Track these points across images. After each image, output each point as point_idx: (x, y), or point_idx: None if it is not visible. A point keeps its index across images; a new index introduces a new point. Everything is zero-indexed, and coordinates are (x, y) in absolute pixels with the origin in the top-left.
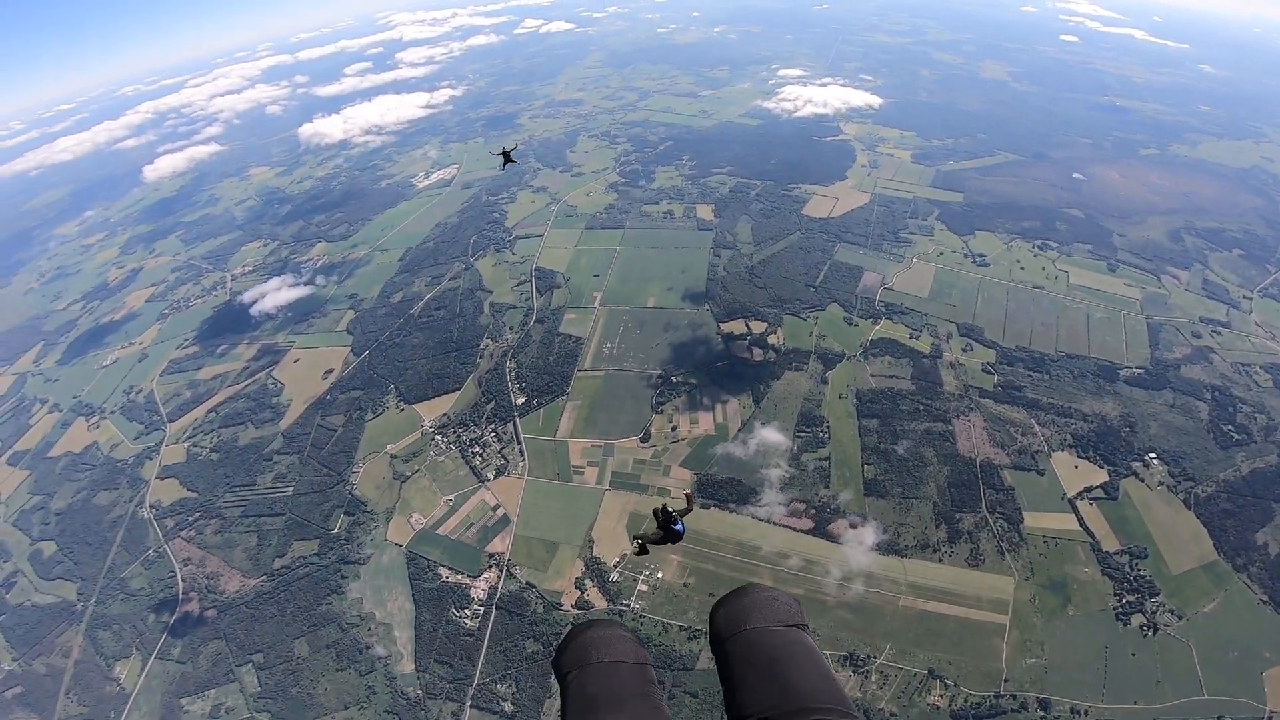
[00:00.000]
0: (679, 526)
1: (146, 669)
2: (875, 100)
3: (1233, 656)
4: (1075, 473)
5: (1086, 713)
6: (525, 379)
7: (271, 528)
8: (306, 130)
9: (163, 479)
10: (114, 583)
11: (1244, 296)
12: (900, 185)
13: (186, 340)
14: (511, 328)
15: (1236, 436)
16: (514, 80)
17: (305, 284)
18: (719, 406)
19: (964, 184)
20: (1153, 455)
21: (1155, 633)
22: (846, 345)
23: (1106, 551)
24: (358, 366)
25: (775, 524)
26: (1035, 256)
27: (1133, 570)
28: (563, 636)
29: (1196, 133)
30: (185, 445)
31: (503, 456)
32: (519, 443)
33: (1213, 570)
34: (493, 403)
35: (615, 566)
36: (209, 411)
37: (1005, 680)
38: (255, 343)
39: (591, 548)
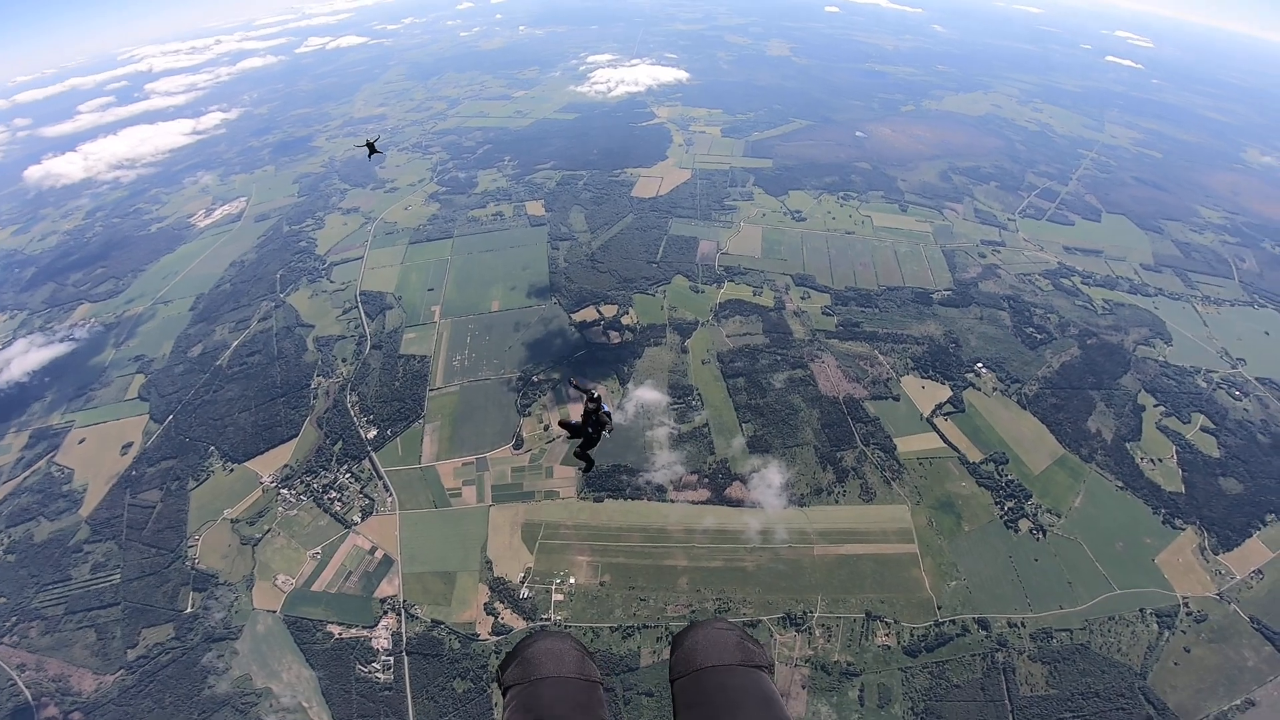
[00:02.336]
0: (606, 408)
1: None
2: (684, 74)
3: (1119, 547)
4: (924, 393)
5: (1023, 624)
6: (372, 410)
7: (109, 619)
8: (35, 173)
9: None
10: None
11: (1009, 219)
12: (716, 158)
13: None
14: (344, 359)
15: (1039, 336)
16: (303, 102)
17: (61, 340)
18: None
19: (770, 151)
20: (980, 365)
21: (1045, 535)
22: (698, 312)
23: (973, 463)
24: (162, 434)
25: (674, 501)
26: (841, 206)
27: (1001, 477)
28: (511, 647)
29: (940, 89)
30: None
31: (366, 496)
32: (380, 478)
33: (1065, 464)
34: (340, 442)
35: (523, 582)
36: None
37: (939, 608)
38: (24, 429)
39: (491, 569)
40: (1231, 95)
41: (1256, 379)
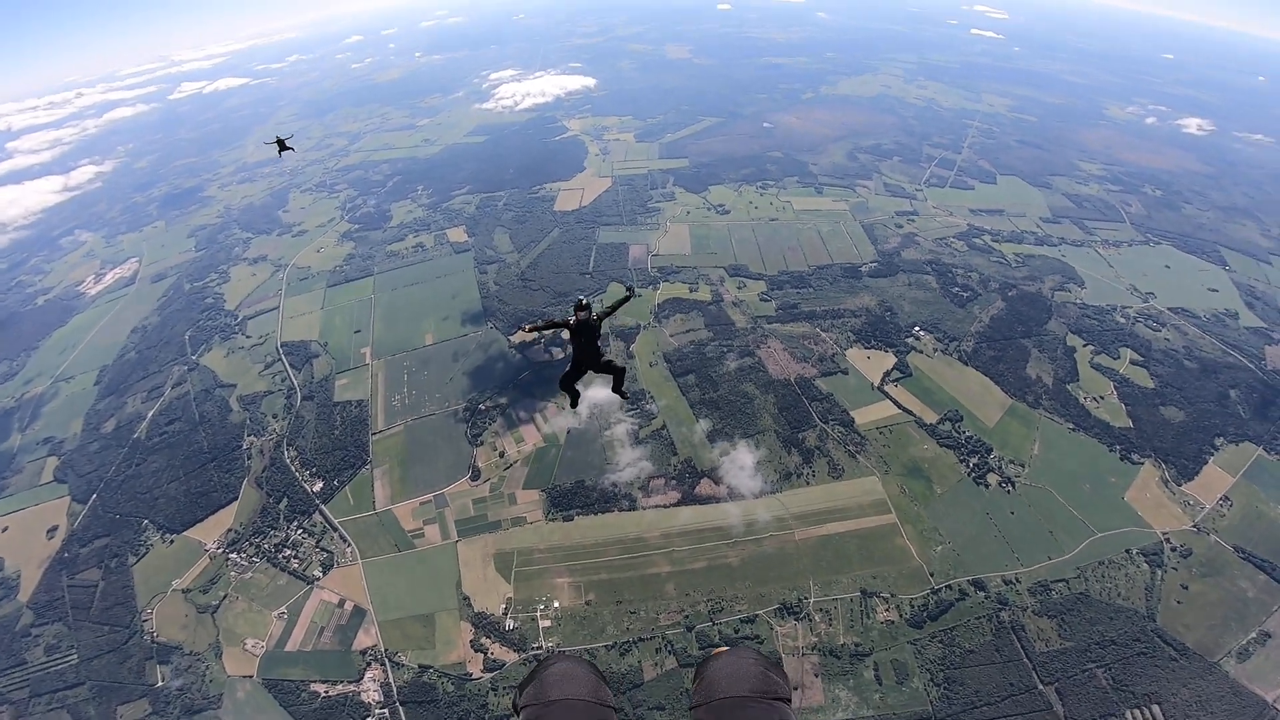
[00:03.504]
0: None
1: None
2: (590, 81)
3: (1087, 489)
4: (870, 363)
5: (1018, 579)
6: (313, 462)
7: (78, 699)
8: None
9: None
10: None
11: (916, 190)
12: (634, 164)
13: None
14: (275, 415)
15: (965, 294)
16: (187, 151)
17: None
18: (538, 416)
19: (685, 150)
20: (918, 328)
21: (1014, 487)
22: (638, 316)
23: (931, 424)
24: (89, 513)
25: (645, 508)
26: (761, 195)
27: (960, 434)
28: (529, 670)
29: (834, 75)
30: None
31: (323, 549)
32: (335, 529)
33: (1016, 413)
34: (284, 499)
35: (505, 614)
36: None
37: (932, 575)
38: None
39: (470, 605)
40: (1084, 58)
41: (1169, 309)
